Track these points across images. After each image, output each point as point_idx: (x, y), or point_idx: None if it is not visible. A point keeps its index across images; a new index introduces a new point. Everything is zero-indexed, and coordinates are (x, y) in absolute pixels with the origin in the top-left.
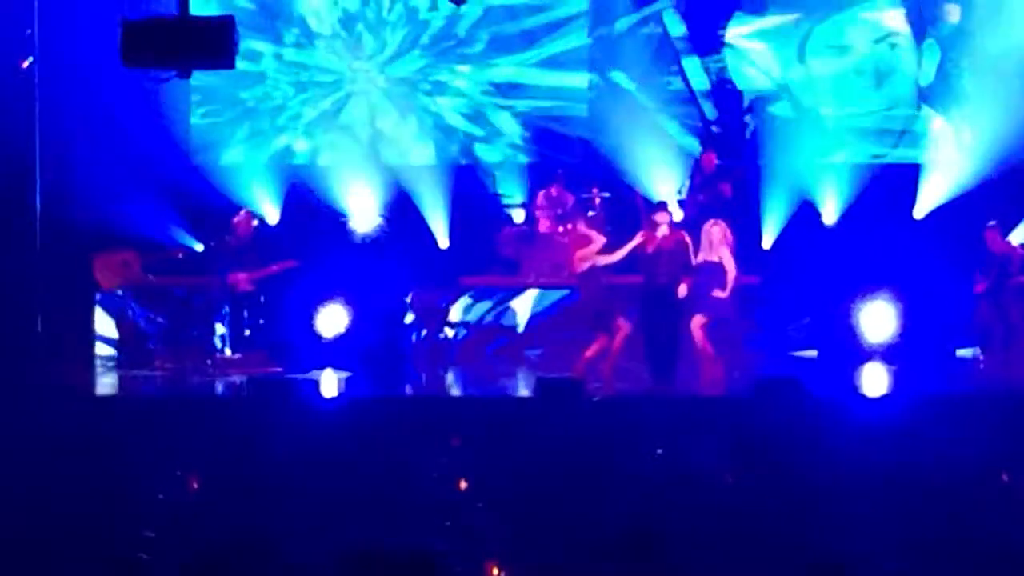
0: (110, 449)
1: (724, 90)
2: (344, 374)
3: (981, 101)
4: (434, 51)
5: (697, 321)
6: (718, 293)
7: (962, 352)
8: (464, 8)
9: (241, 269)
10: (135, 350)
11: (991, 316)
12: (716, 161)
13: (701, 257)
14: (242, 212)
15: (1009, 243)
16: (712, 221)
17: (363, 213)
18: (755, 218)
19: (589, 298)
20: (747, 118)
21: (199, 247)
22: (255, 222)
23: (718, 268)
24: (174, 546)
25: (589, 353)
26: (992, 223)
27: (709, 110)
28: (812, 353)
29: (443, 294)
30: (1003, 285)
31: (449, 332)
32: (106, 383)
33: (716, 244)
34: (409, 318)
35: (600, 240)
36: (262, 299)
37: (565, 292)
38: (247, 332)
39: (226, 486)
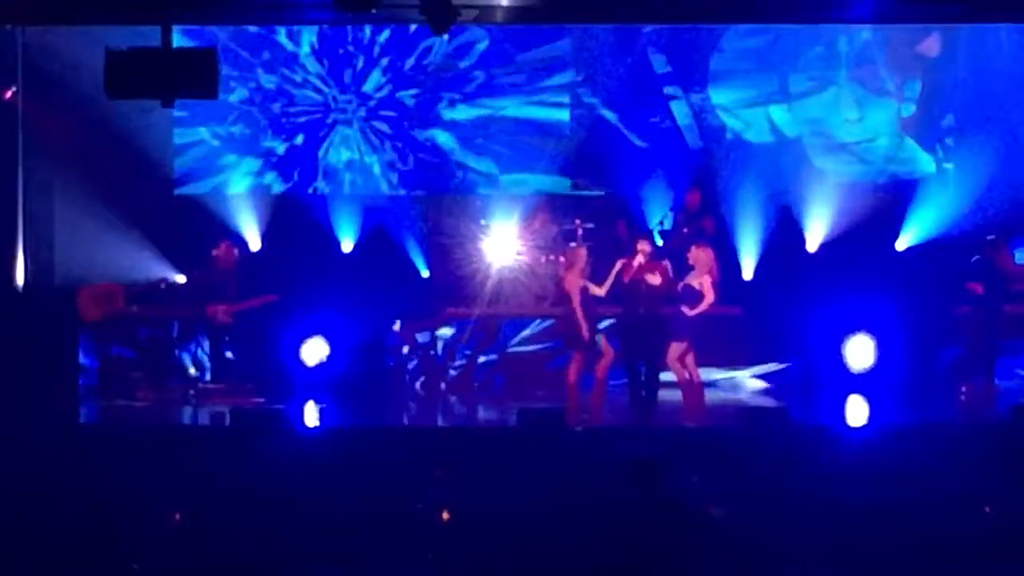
0: (92, 479)
1: (707, 123)
2: (325, 405)
3: (963, 134)
4: (418, 84)
5: (673, 352)
6: (685, 310)
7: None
8: (448, 41)
9: (221, 301)
10: (118, 381)
11: (979, 331)
12: (700, 198)
13: (684, 282)
14: (222, 244)
15: (1012, 260)
16: (698, 245)
17: (346, 243)
18: (736, 248)
19: (572, 319)
20: (729, 149)
21: (181, 278)
22: (236, 253)
23: (697, 293)
24: None
25: (572, 377)
26: (994, 237)
27: (693, 142)
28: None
29: (427, 325)
30: (997, 300)
31: (432, 363)
32: (89, 415)
33: (700, 269)
34: (398, 348)
35: (583, 253)
36: (242, 330)
37: (549, 322)
38: (228, 363)
39: (208, 517)
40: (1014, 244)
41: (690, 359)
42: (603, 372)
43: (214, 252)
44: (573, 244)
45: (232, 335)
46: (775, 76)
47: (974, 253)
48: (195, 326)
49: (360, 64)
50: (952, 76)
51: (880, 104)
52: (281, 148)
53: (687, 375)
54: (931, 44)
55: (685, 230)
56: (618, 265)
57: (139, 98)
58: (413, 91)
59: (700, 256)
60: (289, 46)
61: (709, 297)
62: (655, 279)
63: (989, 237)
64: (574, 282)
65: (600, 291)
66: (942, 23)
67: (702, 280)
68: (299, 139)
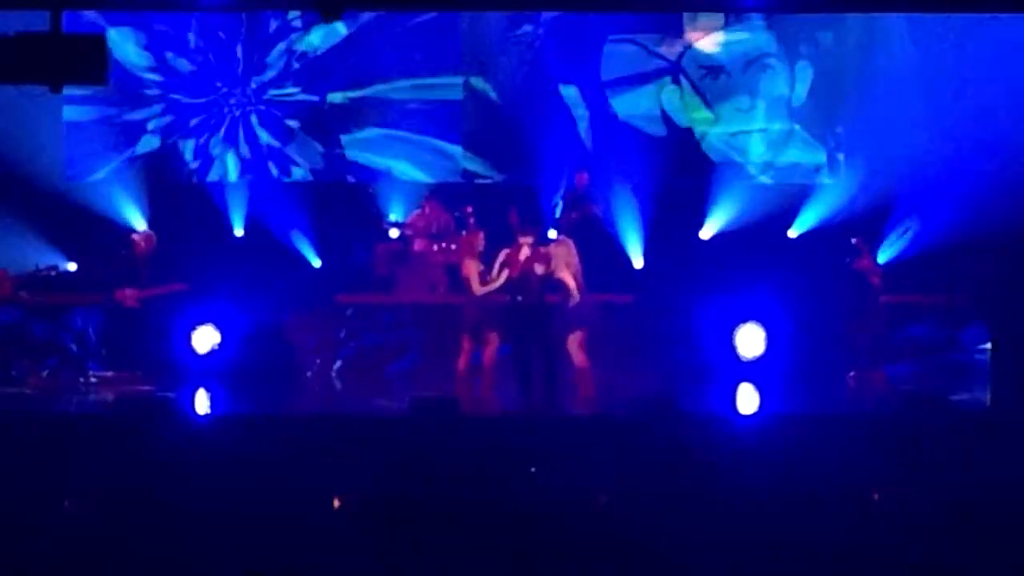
0: None
1: (599, 109)
2: (216, 393)
3: (852, 122)
4: (307, 70)
5: (574, 339)
6: (572, 301)
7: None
8: (337, 27)
9: (131, 286)
10: (5, 368)
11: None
12: (588, 180)
13: (555, 275)
14: (143, 231)
15: (873, 261)
16: (558, 239)
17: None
18: (628, 237)
19: (467, 306)
20: (621, 135)
21: (71, 265)
22: (155, 240)
23: (564, 288)
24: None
25: (462, 365)
26: (857, 239)
27: (584, 128)
28: None
29: (318, 313)
30: (865, 301)
31: (323, 351)
32: None
33: (559, 264)
34: (290, 335)
35: (479, 238)
36: (138, 318)
37: (437, 310)
38: (119, 351)
39: (96, 505)
40: (879, 243)
41: (581, 347)
42: (490, 360)
43: (134, 237)
44: (466, 231)
45: (132, 322)
46: (669, 62)
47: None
48: (86, 313)
49: (249, 52)
50: (842, 64)
51: (772, 93)
52: (172, 135)
53: (578, 362)
54: (824, 28)
55: (574, 215)
56: (502, 256)
57: (26, 83)
58: (302, 78)
59: (559, 251)
60: (186, 33)
61: (574, 292)
62: (541, 268)
63: (852, 240)
64: (472, 267)
65: (496, 283)
66: (835, 12)
67: (562, 275)
68: (191, 122)
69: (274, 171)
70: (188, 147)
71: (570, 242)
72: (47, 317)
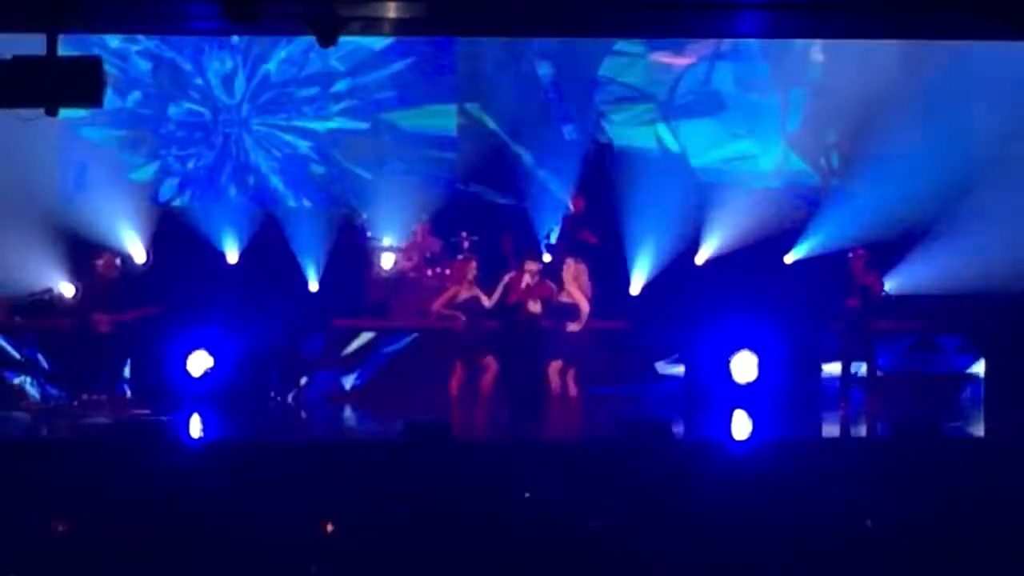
0: None
1: (594, 135)
2: (209, 417)
3: (844, 149)
4: (303, 96)
5: (554, 367)
6: (572, 327)
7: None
8: (335, 53)
9: (103, 311)
10: (1, 392)
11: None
12: (585, 205)
13: (560, 297)
14: (104, 254)
15: (875, 273)
16: (571, 259)
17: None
18: (624, 263)
19: (459, 332)
20: (617, 163)
21: (68, 289)
22: (117, 264)
23: (573, 308)
24: None
25: (455, 390)
26: (856, 250)
27: (579, 155)
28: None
29: (313, 337)
30: (866, 316)
31: (316, 375)
32: None
33: (568, 281)
34: (284, 360)
35: (472, 265)
36: (126, 342)
37: (430, 334)
38: (113, 375)
39: (92, 528)
40: (874, 258)
41: (570, 375)
42: (487, 385)
43: (96, 262)
44: (460, 256)
45: (115, 346)
46: (664, 88)
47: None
48: (80, 337)
49: (243, 75)
50: (836, 89)
51: (766, 118)
52: (167, 158)
53: (565, 390)
54: (816, 54)
55: (569, 241)
56: (506, 279)
57: (23, 107)
58: (297, 102)
59: (568, 269)
60: (179, 59)
61: (584, 309)
62: (536, 306)
63: (849, 252)
64: (463, 293)
65: (488, 302)
66: (828, 38)
67: (572, 293)
68: (188, 149)
69: (269, 194)
70: (179, 170)
71: (582, 262)
72: (43, 340)
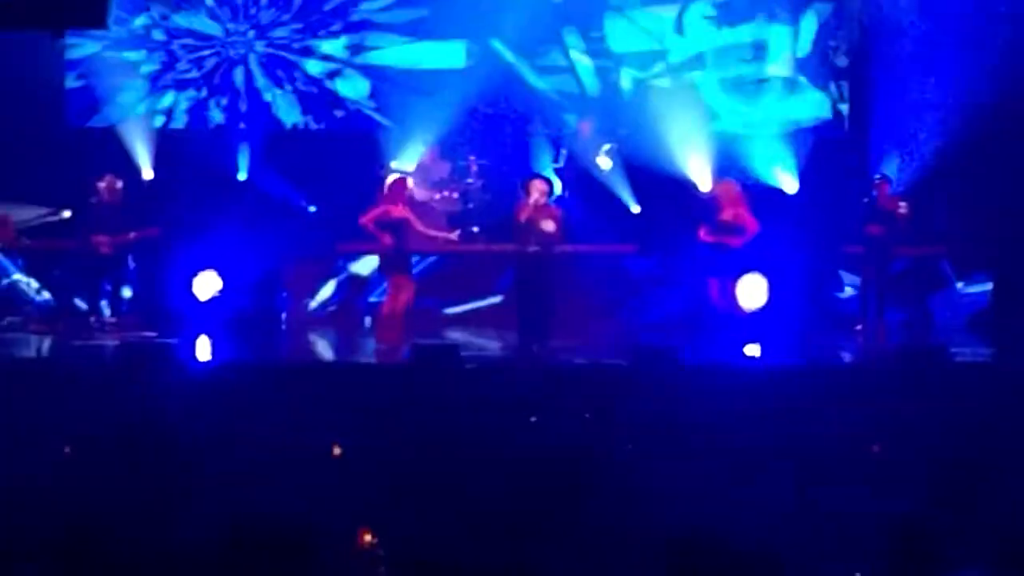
0: None
1: (602, 59)
2: (217, 340)
3: (857, 76)
4: (310, 18)
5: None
6: (730, 241)
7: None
8: None
9: (104, 233)
10: (8, 313)
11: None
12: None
13: (718, 218)
14: (107, 176)
15: (896, 199)
16: (725, 180)
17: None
18: (630, 187)
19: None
20: (625, 87)
21: (73, 211)
22: (119, 185)
23: (735, 226)
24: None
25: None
26: (880, 176)
27: (588, 80)
28: None
29: (319, 261)
30: (889, 241)
31: (323, 299)
32: None
33: (727, 201)
34: (292, 282)
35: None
36: (130, 263)
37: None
38: (120, 297)
39: (98, 452)
40: (897, 184)
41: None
42: (399, 308)
43: (99, 184)
44: (469, 180)
45: (119, 269)
46: (671, 12)
47: (864, 194)
48: (84, 259)
49: None
50: (848, 11)
51: (775, 45)
52: (175, 79)
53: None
54: None
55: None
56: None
57: (28, 29)
58: (305, 25)
59: (726, 189)
60: None
61: (752, 226)
62: (549, 225)
63: (876, 176)
64: (394, 213)
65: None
66: None
67: (737, 212)
68: (194, 71)
69: (277, 116)
70: (187, 92)
71: (733, 181)
72: (50, 262)
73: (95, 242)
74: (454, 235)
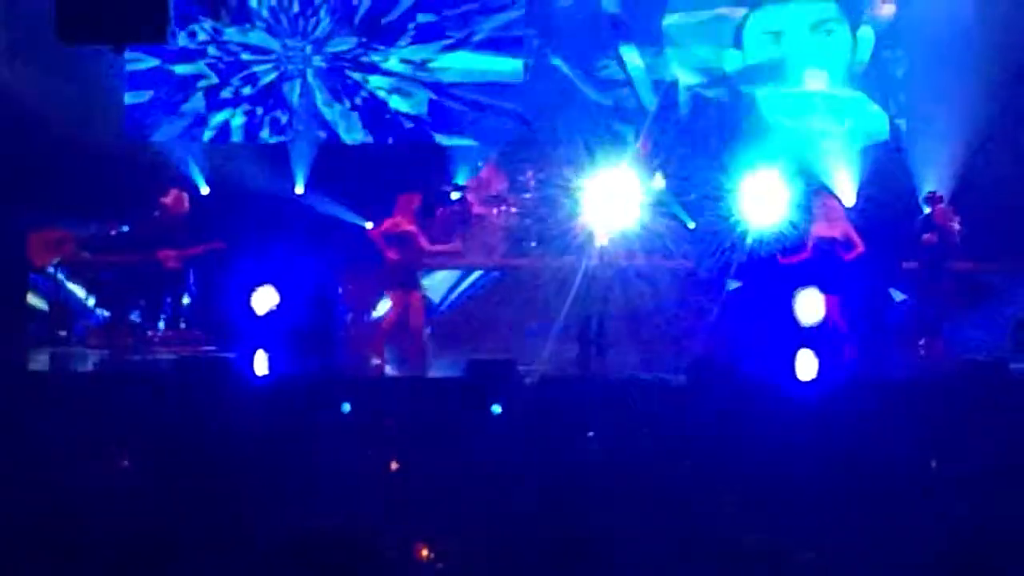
0: (41, 427)
1: (660, 75)
2: (275, 353)
3: (915, 89)
4: (368, 32)
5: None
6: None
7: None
8: None
9: (170, 247)
10: (68, 327)
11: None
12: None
13: (817, 231)
14: (171, 191)
15: (950, 215)
16: (827, 194)
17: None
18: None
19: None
20: (683, 103)
21: (136, 226)
22: (186, 200)
23: (841, 242)
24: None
25: (385, 324)
26: (934, 192)
27: (646, 95)
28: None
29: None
30: (943, 257)
31: (381, 312)
32: (38, 360)
33: (832, 218)
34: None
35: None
36: (193, 278)
37: (495, 274)
38: (179, 311)
39: (156, 466)
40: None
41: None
42: (416, 323)
43: (163, 199)
44: (527, 195)
45: (182, 282)
46: (730, 28)
47: (919, 210)
48: (146, 273)
49: (311, 11)
50: (907, 24)
51: (834, 59)
52: (232, 93)
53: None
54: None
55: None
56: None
57: (90, 43)
58: (363, 39)
59: (830, 205)
60: None
61: (858, 245)
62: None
63: (929, 192)
64: (402, 227)
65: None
66: None
67: (845, 228)
68: (249, 87)
69: (335, 131)
70: (243, 106)
71: (835, 198)
72: (109, 277)
73: (161, 256)
74: (455, 247)
